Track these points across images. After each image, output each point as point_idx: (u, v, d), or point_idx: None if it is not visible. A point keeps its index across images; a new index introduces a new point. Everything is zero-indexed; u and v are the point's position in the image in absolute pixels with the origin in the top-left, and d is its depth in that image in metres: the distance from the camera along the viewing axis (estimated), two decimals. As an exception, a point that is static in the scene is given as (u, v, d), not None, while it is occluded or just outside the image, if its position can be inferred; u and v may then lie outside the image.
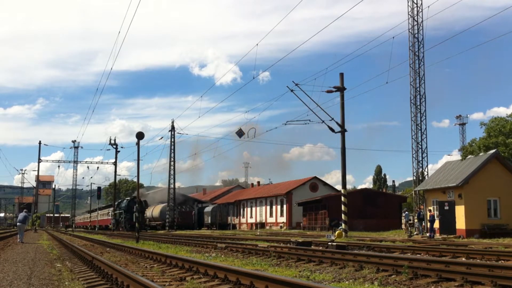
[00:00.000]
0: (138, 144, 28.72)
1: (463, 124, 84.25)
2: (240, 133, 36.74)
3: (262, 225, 67.62)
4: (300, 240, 20.50)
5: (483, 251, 15.70)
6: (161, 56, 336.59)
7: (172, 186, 62.40)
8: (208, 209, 73.73)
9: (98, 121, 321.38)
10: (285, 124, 33.32)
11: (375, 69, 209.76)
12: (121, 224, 59.97)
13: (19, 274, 10.65)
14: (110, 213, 66.58)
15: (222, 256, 15.82)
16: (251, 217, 73.75)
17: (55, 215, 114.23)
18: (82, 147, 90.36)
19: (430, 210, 33.02)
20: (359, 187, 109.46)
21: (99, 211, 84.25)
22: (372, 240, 25.14)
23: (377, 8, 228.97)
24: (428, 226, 31.58)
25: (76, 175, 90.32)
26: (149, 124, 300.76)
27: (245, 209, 75.84)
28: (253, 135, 34.01)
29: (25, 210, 28.54)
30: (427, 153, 38.19)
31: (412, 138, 38.25)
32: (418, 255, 15.97)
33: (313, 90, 31.04)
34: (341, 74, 31.73)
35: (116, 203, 65.52)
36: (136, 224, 29.16)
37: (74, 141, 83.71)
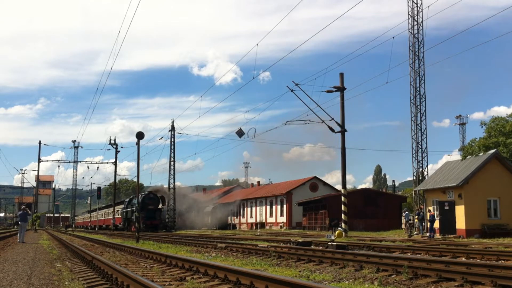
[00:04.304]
0: (138, 144, 28.74)
1: (463, 124, 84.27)
2: (240, 133, 36.72)
3: (262, 225, 67.63)
4: (300, 240, 20.50)
5: (483, 251, 15.70)
6: (163, 56, 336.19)
7: (172, 186, 62.26)
8: (208, 209, 73.68)
9: (100, 121, 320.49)
10: (285, 124, 33.36)
11: (375, 69, 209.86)
12: (132, 223, 58.23)
13: (19, 274, 10.65)
14: (119, 212, 64.08)
15: (222, 256, 15.81)
16: (251, 217, 73.75)
17: (55, 215, 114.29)
18: (82, 147, 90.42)
19: (430, 210, 33.03)
20: (359, 187, 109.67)
21: (99, 211, 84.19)
22: (372, 240, 25.14)
23: (380, 8, 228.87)
24: (428, 226, 31.60)
25: (76, 175, 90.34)
26: (149, 124, 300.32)
27: (245, 209, 75.85)
28: (253, 135, 34.01)
29: (23, 207, 28.09)
30: (427, 153, 38.25)
31: (412, 138, 38.28)
32: (418, 255, 15.96)
33: (313, 90, 31.10)
34: (341, 74, 31.73)
35: (127, 200, 64.26)
36: (136, 224, 29.16)
37: (74, 141, 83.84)
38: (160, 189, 63.86)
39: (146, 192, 60.26)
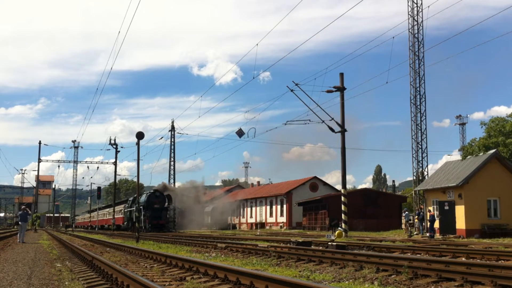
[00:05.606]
0: (138, 144, 28.73)
1: (463, 124, 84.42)
2: (240, 133, 36.71)
3: (262, 225, 67.65)
4: (300, 240, 20.49)
5: (483, 251, 15.69)
6: (163, 56, 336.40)
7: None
8: (208, 209, 73.63)
9: (100, 121, 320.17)
10: (285, 124, 33.37)
11: (375, 69, 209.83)
12: (138, 223, 56.11)
13: (19, 274, 10.65)
14: (122, 211, 62.85)
15: (222, 256, 15.81)
16: (251, 217, 73.76)
17: (55, 215, 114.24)
18: (82, 147, 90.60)
19: (430, 210, 33.03)
20: (359, 187, 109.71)
21: (99, 211, 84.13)
22: (372, 240, 25.14)
23: (380, 8, 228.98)
24: (428, 226, 31.60)
25: (76, 175, 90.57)
26: (149, 124, 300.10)
27: (245, 209, 75.86)
28: (253, 135, 34.01)
29: (23, 207, 28.11)
30: (427, 153, 38.31)
31: (412, 138, 38.30)
32: (418, 255, 15.96)
33: (313, 90, 31.12)
34: (341, 74, 31.74)
35: (131, 199, 63.49)
36: (136, 224, 29.15)
37: (74, 141, 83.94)
38: (168, 187, 60.98)
39: (152, 190, 58.59)
